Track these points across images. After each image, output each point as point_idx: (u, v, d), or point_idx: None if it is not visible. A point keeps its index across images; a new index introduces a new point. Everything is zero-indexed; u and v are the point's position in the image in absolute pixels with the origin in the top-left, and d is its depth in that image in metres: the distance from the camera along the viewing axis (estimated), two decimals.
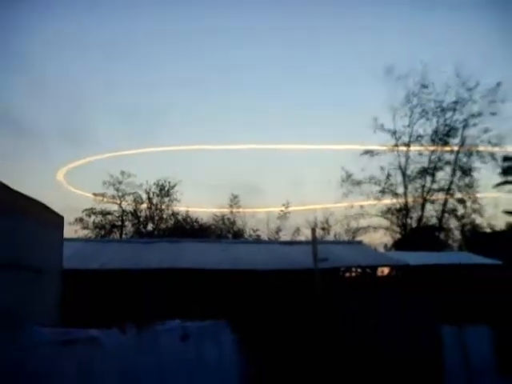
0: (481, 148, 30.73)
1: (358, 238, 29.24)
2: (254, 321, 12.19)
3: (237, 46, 45.73)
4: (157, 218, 34.75)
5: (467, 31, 43.96)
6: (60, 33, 41.97)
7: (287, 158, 43.92)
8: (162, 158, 42.72)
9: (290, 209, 30.68)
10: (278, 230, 30.36)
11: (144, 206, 34.55)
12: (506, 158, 33.80)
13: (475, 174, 31.10)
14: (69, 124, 46.07)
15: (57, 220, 9.34)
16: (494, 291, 21.27)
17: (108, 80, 46.88)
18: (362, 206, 31.57)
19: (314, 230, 14.38)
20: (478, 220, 31.41)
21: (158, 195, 34.54)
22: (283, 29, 44.93)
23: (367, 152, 31.08)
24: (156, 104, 45.71)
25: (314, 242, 13.63)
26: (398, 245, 30.08)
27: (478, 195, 31.05)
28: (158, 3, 43.13)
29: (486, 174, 31.65)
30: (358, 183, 31.32)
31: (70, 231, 29.87)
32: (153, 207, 34.62)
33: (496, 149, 30.58)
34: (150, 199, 34.48)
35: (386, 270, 18.09)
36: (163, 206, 34.63)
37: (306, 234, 27.76)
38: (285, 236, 29.59)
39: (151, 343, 7.71)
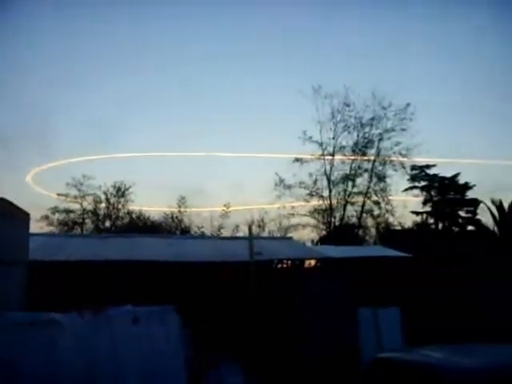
0: (393, 158, 31.71)
1: (289, 235, 29.61)
2: (197, 306, 12.18)
3: (186, 58, 45.52)
4: (114, 216, 35.29)
5: (383, 58, 45.09)
6: (24, 37, 40.95)
7: (230, 164, 44.36)
8: (120, 162, 43.00)
9: (231, 209, 30.87)
10: (220, 228, 30.51)
11: (102, 205, 35.08)
12: (413, 167, 34.90)
13: (388, 180, 32.16)
14: (37, 130, 45.64)
15: (23, 216, 9.20)
16: (403, 279, 21.77)
17: (74, 89, 46.16)
18: (292, 207, 31.94)
19: (250, 228, 14.52)
20: (391, 219, 32.30)
21: (114, 196, 35.04)
22: (226, 40, 45.03)
23: (297, 160, 31.46)
24: (116, 113, 45.56)
25: (251, 237, 13.72)
26: (323, 240, 30.50)
27: (391, 198, 31.98)
28: (115, 8, 42.32)
29: (397, 180, 32.70)
30: (290, 187, 31.68)
31: (36, 227, 29.75)
32: (110, 206, 35.15)
33: (405, 159, 31.62)
34: (107, 199, 34.97)
35: (312, 262, 18.34)
36: (119, 206, 35.29)
37: (244, 231, 27.87)
38: (226, 232, 29.68)
39: (105, 325, 7.70)
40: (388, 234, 31.59)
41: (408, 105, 30.69)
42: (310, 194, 31.78)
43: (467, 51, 42.76)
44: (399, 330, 13.37)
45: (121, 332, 7.74)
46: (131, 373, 7.72)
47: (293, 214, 31.99)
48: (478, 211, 35.69)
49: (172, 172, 42.36)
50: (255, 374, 11.63)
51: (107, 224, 34.82)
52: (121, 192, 34.72)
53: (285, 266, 16.52)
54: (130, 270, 13.05)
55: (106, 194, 34.79)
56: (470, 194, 37.46)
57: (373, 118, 31.45)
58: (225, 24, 44.35)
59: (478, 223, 34.52)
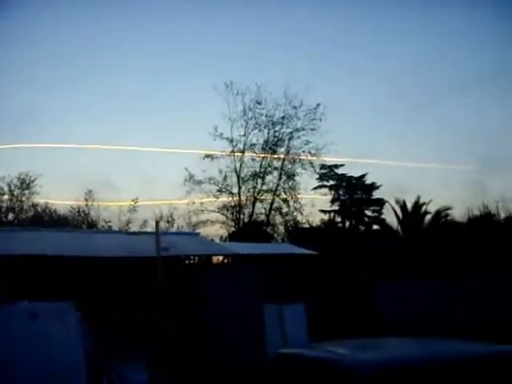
0: (302, 157, 32.20)
1: (198, 231, 29.46)
2: (102, 302, 11.88)
3: (103, 51, 44.28)
4: (17, 208, 33.88)
5: (295, 57, 45.82)
6: None
7: (141, 158, 43.80)
8: (27, 153, 41.22)
9: (140, 203, 30.36)
10: (128, 222, 29.98)
11: (5, 197, 33.60)
12: (322, 166, 35.65)
13: (297, 179, 32.68)
14: None
15: None
16: (309, 276, 22.24)
17: None
18: (202, 203, 31.85)
19: (157, 223, 14.36)
20: (299, 217, 32.84)
21: (18, 188, 33.57)
22: (141, 35, 44.25)
23: (208, 156, 31.39)
24: (25, 103, 43.45)
25: (158, 232, 13.53)
26: (232, 237, 30.60)
27: (299, 196, 32.54)
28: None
29: (306, 179, 33.25)
30: (199, 183, 31.57)
31: None
32: (14, 199, 33.61)
33: (314, 158, 32.17)
34: (11, 191, 33.50)
35: (220, 258, 18.36)
36: (23, 198, 33.75)
37: (152, 226, 27.52)
38: (134, 227, 29.20)
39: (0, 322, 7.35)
40: (296, 232, 32.14)
41: (318, 105, 31.36)
42: (220, 191, 31.86)
43: (377, 52, 44.18)
44: (304, 326, 13.63)
45: (17, 328, 7.41)
46: (29, 370, 7.42)
47: (202, 210, 31.99)
48: (384, 211, 37.09)
49: (82, 165, 41.15)
50: (159, 370, 11.50)
51: (10, 217, 33.39)
52: (25, 184, 33.27)
53: (192, 261, 16.43)
54: (32, 264, 12.52)
55: (9, 185, 33.33)
56: (376, 194, 38.86)
57: (283, 117, 31.91)
58: (138, 19, 43.52)
59: (382, 222, 35.78)
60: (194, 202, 31.57)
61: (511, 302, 18.08)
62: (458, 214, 31.15)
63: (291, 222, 33.14)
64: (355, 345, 5.71)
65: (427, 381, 4.43)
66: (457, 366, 4.59)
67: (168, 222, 31.42)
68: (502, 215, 27.19)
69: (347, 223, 38.52)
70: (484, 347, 5.06)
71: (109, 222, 30.26)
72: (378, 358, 4.66)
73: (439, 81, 44.14)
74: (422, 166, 49.36)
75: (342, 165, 38.53)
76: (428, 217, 32.21)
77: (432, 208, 31.98)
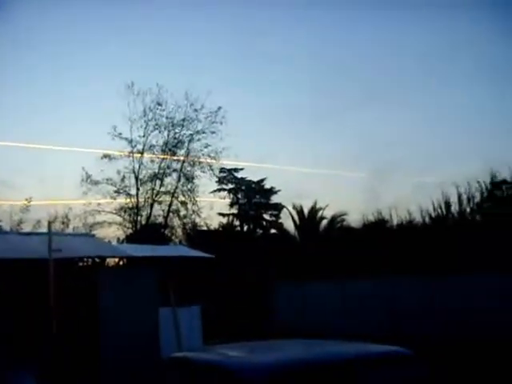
0: (202, 160, 32.08)
1: (95, 232, 28.64)
2: None
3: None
4: None
5: (199, 60, 45.70)
6: None
7: (38, 157, 41.78)
8: None
9: (34, 203, 29.01)
10: (20, 222, 28.55)
11: None
12: (221, 170, 35.80)
13: (196, 181, 32.50)
14: None
15: None
16: (205, 279, 22.22)
17: None
18: (99, 204, 30.99)
19: (49, 223, 13.79)
20: (197, 220, 32.75)
21: None
22: (49, 30, 42.33)
23: (106, 156, 30.63)
24: None
25: (50, 233, 13.02)
26: (129, 239, 30.05)
27: (198, 199, 32.43)
28: None
29: (205, 182, 33.24)
30: (97, 183, 30.71)
31: None
32: None
33: (214, 161, 32.15)
34: None
35: (115, 261, 17.96)
36: None
37: (46, 227, 26.35)
38: (26, 227, 27.89)
39: None
40: (194, 235, 32.08)
41: (219, 108, 31.42)
42: (117, 192, 31.18)
43: (280, 57, 44.84)
44: (199, 329, 13.61)
45: None
46: None
47: (99, 211, 31.13)
48: (282, 215, 37.75)
49: None
50: (49, 379, 11.07)
51: None
52: None
53: (86, 264, 15.96)
54: None
55: None
56: (274, 199, 39.55)
57: (184, 119, 31.72)
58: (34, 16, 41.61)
59: (280, 227, 36.37)
60: (90, 203, 30.70)
61: (400, 302, 19.01)
62: (354, 219, 32.29)
63: (189, 225, 33.04)
64: (247, 348, 5.75)
65: (318, 383, 4.52)
66: (347, 367, 4.71)
67: (63, 222, 30.28)
68: (395, 221, 28.42)
69: (245, 227, 38.92)
70: (376, 348, 5.21)
71: None
72: (268, 361, 4.70)
73: (341, 89, 45.54)
74: (320, 172, 50.92)
75: (241, 169, 38.97)
76: (324, 222, 33.12)
77: (328, 213, 32.97)
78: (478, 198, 26.18)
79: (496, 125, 38.60)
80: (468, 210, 26.39)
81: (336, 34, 41.50)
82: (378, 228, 28.09)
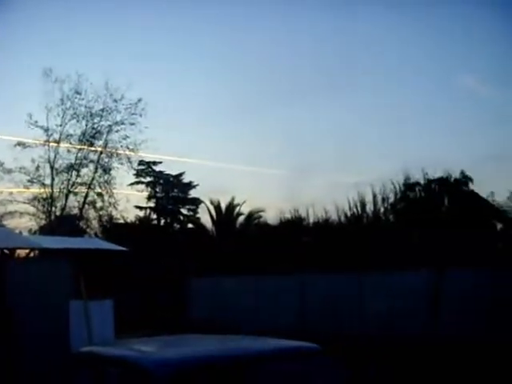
0: (120, 151, 31.47)
1: (5, 222, 27.67)
2: None
3: None
4: None
5: (119, 49, 44.65)
6: None
7: None
8: None
9: None
10: None
11: None
12: (140, 162, 35.33)
13: (114, 173, 31.80)
14: None
15: None
16: (119, 272, 21.89)
17: None
18: (11, 193, 29.84)
19: None
20: (114, 212, 32.17)
21: None
22: None
23: (20, 144, 29.47)
24: None
25: None
26: (42, 230, 29.13)
27: (115, 191, 31.82)
28: None
29: (123, 174, 32.61)
30: (9, 171, 29.48)
31: None
32: None
33: (132, 154, 31.60)
34: None
35: (26, 252, 17.33)
36: None
37: None
38: None
39: None
40: (111, 227, 31.53)
41: (140, 100, 30.86)
42: (31, 181, 30.10)
43: (205, 50, 44.31)
44: (111, 323, 13.36)
45: None
46: None
47: (10, 201, 29.97)
48: (200, 210, 37.66)
49: None
50: None
51: None
52: None
53: None
54: None
55: None
56: (192, 193, 39.41)
57: (103, 110, 30.97)
58: None
59: (197, 222, 36.28)
60: (1, 192, 29.53)
61: (312, 300, 19.41)
62: (271, 216, 32.59)
63: (106, 217, 32.41)
64: (157, 343, 5.70)
65: (228, 379, 4.56)
66: (256, 362, 4.76)
67: None
68: (311, 219, 28.93)
69: (162, 221, 38.59)
70: (284, 343, 5.28)
71: None
72: (175, 356, 4.67)
73: (266, 85, 45.67)
74: (240, 167, 51.00)
75: (160, 162, 38.56)
76: (241, 218, 33.28)
77: (246, 210, 33.17)
78: (392, 199, 27.05)
79: (413, 127, 39.93)
80: (382, 210, 27.24)
81: (263, 29, 41.33)
82: (294, 225, 28.51)
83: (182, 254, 27.23)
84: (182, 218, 39.20)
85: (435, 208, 24.52)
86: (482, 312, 15.15)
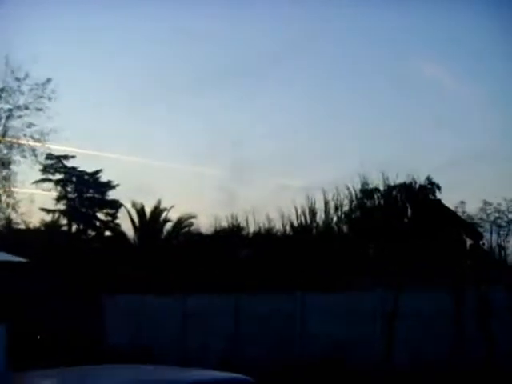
0: (23, 142, 30.57)
1: None
2: None
3: None
4: None
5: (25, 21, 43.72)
6: None
7: None
8: None
9: None
10: None
11: None
12: (48, 156, 34.54)
13: (15, 168, 30.87)
14: None
15: None
16: (20, 288, 21.49)
17: None
18: None
19: None
20: (13, 215, 31.34)
21: None
22: None
23: None
24: None
25: None
26: None
27: (15, 190, 30.95)
28: None
29: (26, 169, 31.68)
30: None
31: None
32: None
33: (38, 144, 30.71)
34: None
35: None
36: None
37: None
38: None
39: None
40: (8, 234, 30.86)
41: (49, 80, 30.08)
42: None
43: (133, 35, 43.98)
44: (2, 352, 13.09)
45: None
46: None
47: None
48: (119, 215, 37.34)
49: None
50: None
51: None
52: None
53: None
54: None
55: None
56: (112, 195, 39.00)
57: (2, 89, 30.22)
58: None
59: (116, 229, 35.99)
60: None
61: (246, 322, 19.57)
62: (204, 223, 32.54)
63: (2, 222, 31.65)
64: (59, 376, 5.64)
65: None
66: None
67: None
68: (251, 228, 29.07)
69: (74, 227, 38.08)
70: (214, 375, 5.35)
71: None
72: None
73: (197, 68, 45.78)
74: (169, 165, 50.63)
75: (72, 156, 38.02)
76: (169, 225, 33.19)
77: (174, 215, 33.07)
78: (346, 207, 27.47)
79: (371, 123, 40.69)
80: (335, 219, 27.65)
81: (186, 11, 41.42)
82: (231, 235, 28.65)
83: (97, 266, 26.93)
84: (98, 223, 38.79)
85: (396, 218, 25.06)
86: (444, 336, 15.60)
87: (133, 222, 33.24)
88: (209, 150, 45.91)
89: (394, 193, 26.41)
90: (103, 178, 39.10)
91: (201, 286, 21.90)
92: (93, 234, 38.21)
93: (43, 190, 37.57)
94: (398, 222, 24.37)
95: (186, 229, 32.69)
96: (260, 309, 19.29)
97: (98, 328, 23.76)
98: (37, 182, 37.09)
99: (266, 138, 42.28)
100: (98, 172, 38.87)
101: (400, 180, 26.15)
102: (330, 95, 42.71)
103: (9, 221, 31.50)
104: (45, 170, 37.08)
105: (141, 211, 33.16)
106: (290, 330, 18.62)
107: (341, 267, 21.27)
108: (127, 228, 33.84)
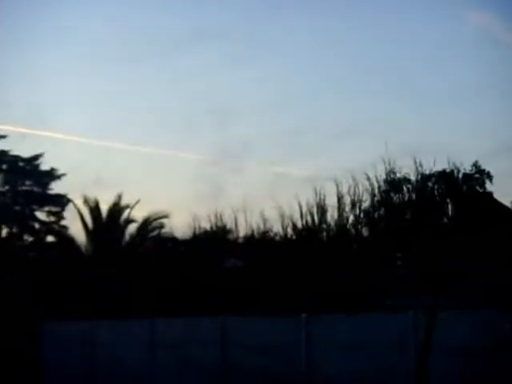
0: None
1: None
2: None
3: None
4: None
5: None
6: None
7: None
8: None
9: None
10: None
11: None
12: None
13: None
14: None
15: None
16: None
17: None
18: None
19: None
20: None
21: None
22: None
23: None
24: None
25: None
26: None
27: None
28: None
29: None
30: None
31: None
32: None
33: None
34: None
35: None
36: None
37: None
38: None
39: None
40: None
41: None
42: None
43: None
44: None
45: None
46: None
47: None
48: (66, 214, 37.31)
49: None
50: None
51: None
52: None
53: None
54: None
55: None
56: (55, 187, 38.89)
57: None
58: None
59: (62, 232, 35.96)
60: None
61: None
62: (179, 225, 32.41)
63: None
64: None
65: None
66: None
67: None
68: (241, 232, 29.07)
69: (5, 230, 38.05)
70: None
71: None
72: None
73: (173, 32, 45.92)
74: (130, 149, 50.36)
75: (3, 136, 37.97)
76: (132, 227, 33.03)
77: (140, 214, 32.93)
78: (366, 203, 27.36)
79: (401, 99, 40.61)
80: (351, 219, 27.56)
81: None
82: (215, 241, 28.66)
83: (35, 283, 26.93)
84: (37, 225, 38.73)
85: (433, 217, 25.03)
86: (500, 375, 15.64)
87: (84, 223, 33.14)
88: (186, 129, 46.03)
89: (430, 184, 26.37)
90: (44, 165, 39.03)
91: (174, 307, 21.88)
92: (30, 239, 38.15)
93: None
94: (435, 222, 24.32)
95: (156, 232, 32.59)
96: (252, 337, 19.30)
97: (33, 360, 23.89)
98: None
99: (258, 112, 42.38)
100: (37, 157, 38.78)
101: (438, 168, 26.13)
102: (344, 56, 42.73)
103: None
104: None
105: (95, 209, 33.01)
106: (291, 367, 18.58)
107: (359, 282, 21.32)
108: (77, 231, 33.78)
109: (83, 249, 32.73)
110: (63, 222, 37.87)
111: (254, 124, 42.82)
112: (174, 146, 48.00)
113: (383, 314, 18.07)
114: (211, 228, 29.65)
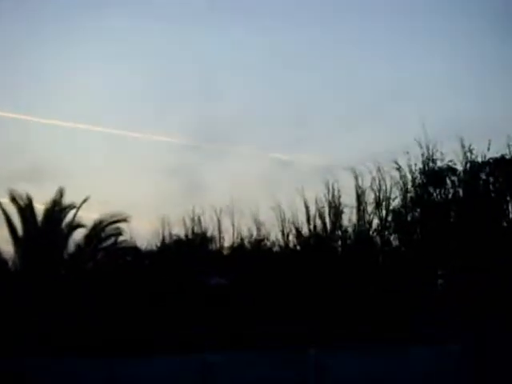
0: None
1: None
2: None
3: None
4: None
5: None
6: None
7: None
8: None
9: None
10: None
11: None
12: None
13: None
14: None
15: None
16: None
17: None
18: None
19: None
20: None
21: None
22: None
23: None
24: None
25: None
26: None
27: None
28: None
29: None
30: None
31: None
32: None
33: None
34: None
35: None
36: None
37: None
38: None
39: None
40: None
41: None
42: None
43: None
44: None
45: None
46: None
47: None
48: None
49: None
50: None
51: None
52: None
53: None
54: None
55: None
56: None
57: None
58: None
59: None
60: None
61: None
62: (143, 231, 32.38)
63: None
64: None
65: None
66: None
67: None
68: (227, 241, 29.10)
69: None
70: None
71: None
72: None
73: None
74: (83, 128, 49.85)
75: None
76: (79, 233, 32.91)
77: (89, 216, 32.83)
78: (396, 200, 27.36)
79: (439, 69, 40.90)
80: (376, 222, 27.54)
81: None
82: (191, 252, 28.65)
83: None
84: None
85: (488, 218, 24.92)
86: None
87: (12, 228, 33.07)
88: (157, 105, 46.07)
89: (483, 175, 26.23)
90: None
91: (138, 341, 21.89)
92: None
93: None
94: (490, 227, 24.22)
95: (111, 240, 32.47)
96: (245, 376, 19.28)
97: None
98: None
99: (250, 85, 42.66)
100: None
101: (492, 154, 25.99)
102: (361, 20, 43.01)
103: None
104: None
105: (27, 209, 32.96)
106: None
107: (384, 307, 21.29)
108: (1, 239, 33.70)
109: (9, 263, 32.61)
110: None
111: (244, 98, 43.00)
112: (141, 126, 48.01)
113: (413, 349, 18.07)
114: (186, 235, 29.58)
